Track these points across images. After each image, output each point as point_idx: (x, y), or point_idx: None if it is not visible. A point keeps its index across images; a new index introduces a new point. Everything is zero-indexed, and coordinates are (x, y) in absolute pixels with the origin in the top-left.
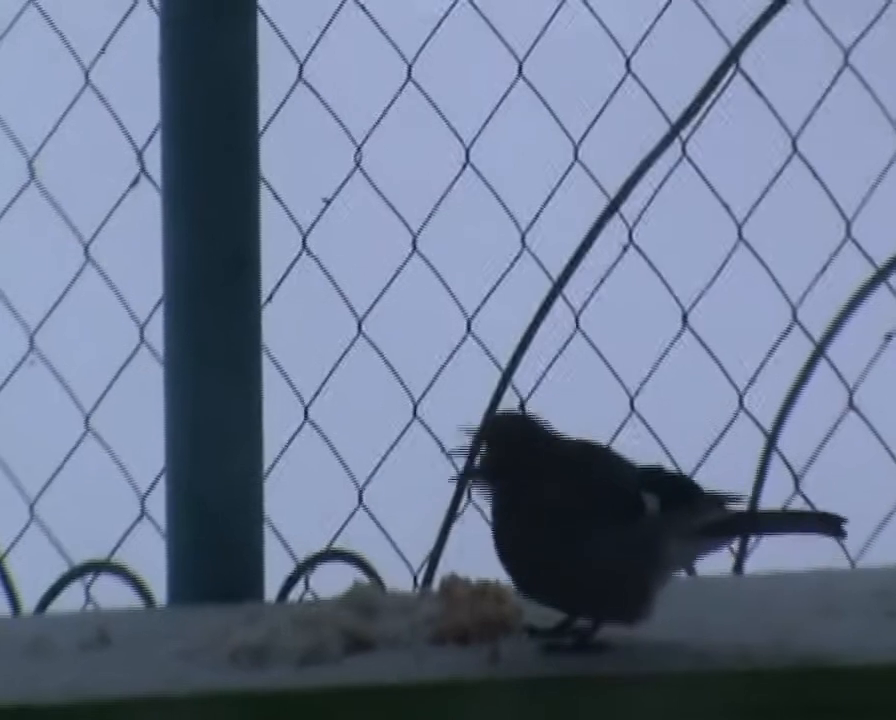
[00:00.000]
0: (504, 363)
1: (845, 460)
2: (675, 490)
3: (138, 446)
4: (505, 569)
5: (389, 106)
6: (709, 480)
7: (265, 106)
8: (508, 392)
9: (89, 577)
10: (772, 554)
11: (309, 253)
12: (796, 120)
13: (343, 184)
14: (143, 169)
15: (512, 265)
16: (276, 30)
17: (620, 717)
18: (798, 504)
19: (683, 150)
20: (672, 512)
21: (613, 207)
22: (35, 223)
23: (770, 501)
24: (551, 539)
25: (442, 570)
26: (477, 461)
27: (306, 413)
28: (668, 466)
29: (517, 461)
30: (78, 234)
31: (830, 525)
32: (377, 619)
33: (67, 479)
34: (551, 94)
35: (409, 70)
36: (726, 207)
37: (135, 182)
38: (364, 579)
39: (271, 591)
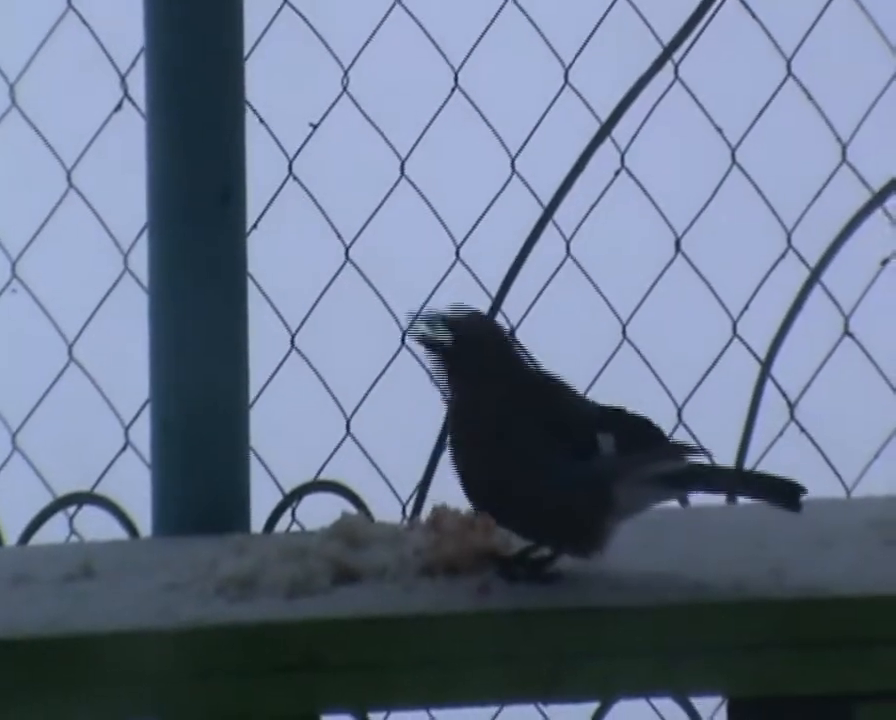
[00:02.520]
0: (494, 290)
1: (840, 387)
2: (633, 433)
3: (122, 376)
4: (460, 483)
5: (376, 30)
6: (702, 409)
7: (250, 29)
8: (497, 319)
9: (72, 509)
10: None
11: (295, 179)
12: (791, 42)
13: (330, 109)
14: (126, 94)
15: (502, 190)
16: None
17: (613, 648)
18: (793, 432)
19: (676, 73)
20: (627, 455)
21: (604, 131)
22: (16, 149)
23: (764, 429)
24: (503, 465)
25: (431, 501)
26: (441, 339)
27: (293, 341)
28: (649, 407)
29: (480, 367)
30: (60, 160)
31: (786, 496)
32: (365, 550)
33: (49, 409)
34: (541, 16)
35: None
36: (719, 130)
37: (118, 107)
38: (352, 510)
39: (258, 522)
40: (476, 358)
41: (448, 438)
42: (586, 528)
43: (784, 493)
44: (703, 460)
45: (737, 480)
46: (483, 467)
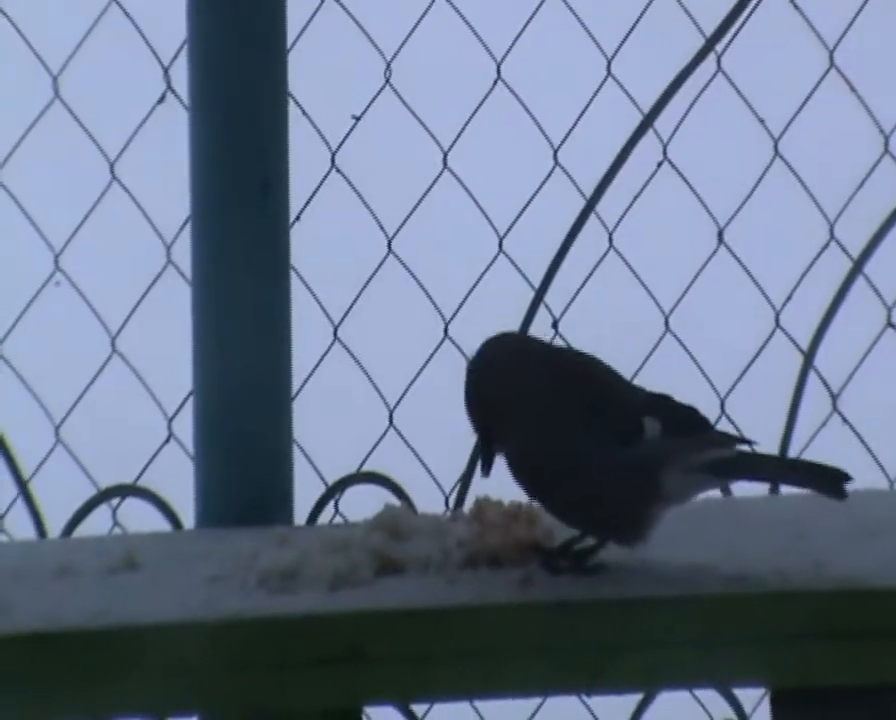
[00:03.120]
0: (537, 282)
1: (883, 378)
2: (679, 420)
3: (165, 368)
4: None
5: (419, 22)
6: (745, 400)
7: (293, 21)
8: (540, 311)
9: (116, 501)
10: None
11: (338, 171)
12: (834, 33)
13: (373, 100)
14: (169, 86)
15: (544, 182)
16: None
17: (655, 640)
18: (836, 423)
19: (718, 64)
20: (673, 441)
21: (647, 123)
22: (60, 141)
23: (807, 420)
24: (547, 450)
25: (474, 492)
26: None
27: (335, 333)
28: (699, 395)
29: (511, 388)
30: (103, 152)
31: (832, 483)
32: (408, 542)
33: (93, 402)
34: (583, 8)
35: None
36: (762, 122)
37: (161, 99)
38: (395, 502)
39: (301, 514)
40: (501, 377)
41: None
42: (630, 515)
43: (829, 480)
44: (747, 450)
45: (783, 468)
46: (528, 452)
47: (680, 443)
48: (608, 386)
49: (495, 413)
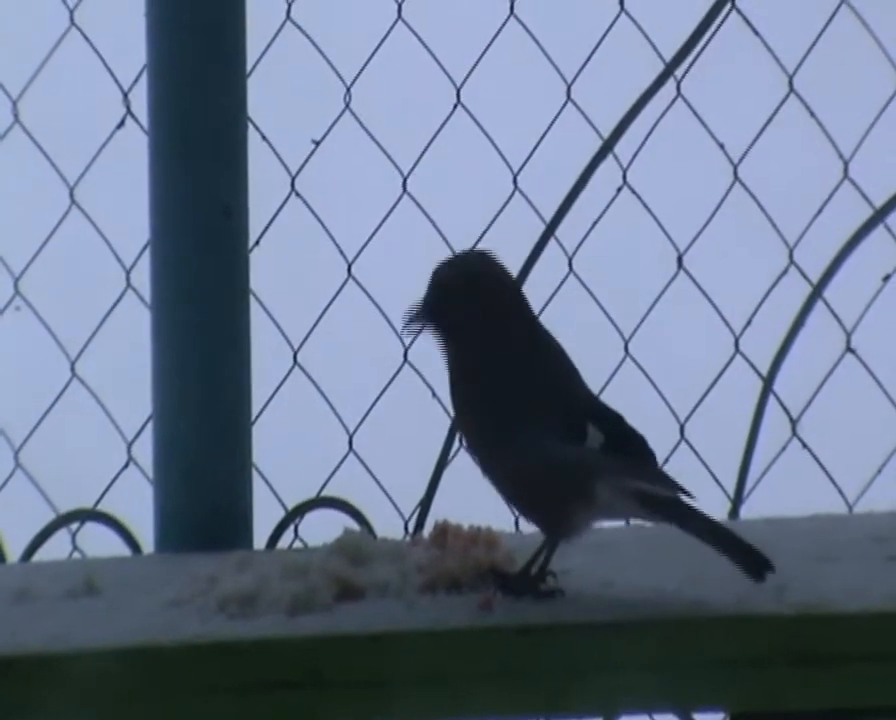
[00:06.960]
0: None
1: (842, 403)
2: (623, 442)
3: (124, 393)
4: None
5: (379, 46)
6: (704, 424)
7: (253, 46)
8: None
9: (75, 525)
10: (769, 500)
11: (298, 195)
12: (793, 58)
13: (332, 125)
14: (129, 111)
15: (504, 207)
16: None
17: (615, 664)
18: (795, 448)
19: (678, 89)
20: (611, 457)
21: (607, 148)
22: (19, 165)
23: (767, 445)
24: (491, 432)
25: (433, 516)
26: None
27: (295, 358)
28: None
29: (486, 314)
30: (63, 177)
31: (753, 565)
32: (367, 567)
33: (52, 426)
34: (543, 33)
35: (399, 8)
36: (721, 147)
37: (121, 124)
38: (354, 526)
39: (260, 539)
40: (472, 298)
41: (450, 388)
42: (557, 513)
43: (752, 561)
44: (684, 499)
45: (711, 530)
46: (474, 430)
47: (617, 461)
48: (565, 381)
49: (458, 337)
